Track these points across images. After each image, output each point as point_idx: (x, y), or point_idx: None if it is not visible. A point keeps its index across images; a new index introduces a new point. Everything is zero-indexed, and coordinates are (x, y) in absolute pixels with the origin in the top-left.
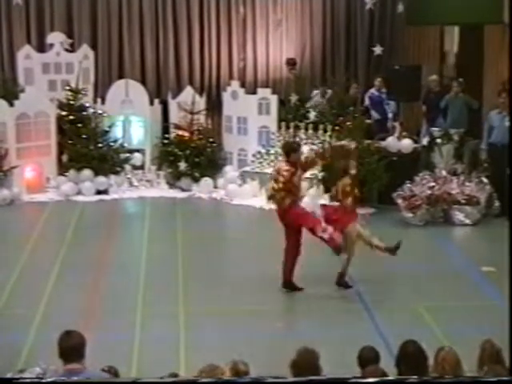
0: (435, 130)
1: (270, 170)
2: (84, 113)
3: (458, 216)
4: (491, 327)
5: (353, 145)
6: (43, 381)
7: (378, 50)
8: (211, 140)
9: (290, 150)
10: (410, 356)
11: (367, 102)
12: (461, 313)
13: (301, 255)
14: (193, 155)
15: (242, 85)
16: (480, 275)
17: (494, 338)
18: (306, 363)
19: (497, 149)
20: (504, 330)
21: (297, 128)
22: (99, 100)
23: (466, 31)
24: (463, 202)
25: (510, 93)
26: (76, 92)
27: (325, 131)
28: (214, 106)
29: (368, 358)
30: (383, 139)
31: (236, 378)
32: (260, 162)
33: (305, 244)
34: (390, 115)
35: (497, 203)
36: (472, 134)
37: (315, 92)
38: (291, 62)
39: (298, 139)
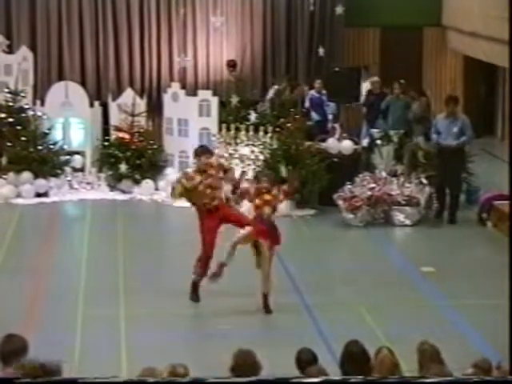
0: (375, 132)
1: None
2: (23, 115)
3: (398, 217)
4: (431, 327)
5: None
6: (43, 380)
7: (321, 51)
8: (152, 142)
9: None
10: (354, 356)
11: (307, 103)
12: (401, 313)
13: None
14: (133, 157)
15: (183, 87)
16: (420, 275)
17: (432, 337)
18: (244, 364)
19: (446, 152)
20: (504, 329)
21: (237, 130)
22: (38, 102)
23: (405, 33)
24: (403, 202)
25: (511, 102)
26: (15, 94)
27: (265, 133)
28: (155, 108)
29: (306, 360)
30: (324, 141)
31: (175, 378)
32: None
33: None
34: (330, 117)
35: (436, 204)
36: (411, 135)
37: (273, 89)
38: (232, 64)
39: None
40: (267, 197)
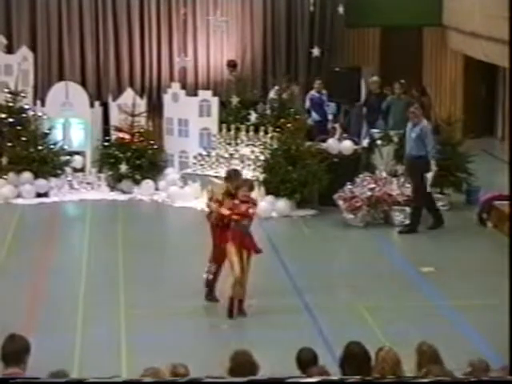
0: (375, 132)
1: (211, 172)
2: (23, 115)
3: (398, 217)
4: (431, 327)
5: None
6: (41, 381)
7: (316, 51)
8: (152, 142)
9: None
10: (355, 357)
11: (308, 103)
12: (400, 313)
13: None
14: (134, 157)
15: (183, 87)
16: (419, 275)
17: (433, 337)
18: (241, 365)
19: (409, 162)
20: (504, 329)
21: (237, 130)
22: (39, 102)
23: (405, 33)
24: (403, 203)
25: (511, 102)
26: (15, 94)
27: (266, 133)
28: (155, 108)
29: (307, 360)
30: (324, 141)
31: (175, 379)
32: (201, 164)
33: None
34: (330, 117)
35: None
36: None
37: (274, 90)
38: (232, 64)
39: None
40: (243, 208)
